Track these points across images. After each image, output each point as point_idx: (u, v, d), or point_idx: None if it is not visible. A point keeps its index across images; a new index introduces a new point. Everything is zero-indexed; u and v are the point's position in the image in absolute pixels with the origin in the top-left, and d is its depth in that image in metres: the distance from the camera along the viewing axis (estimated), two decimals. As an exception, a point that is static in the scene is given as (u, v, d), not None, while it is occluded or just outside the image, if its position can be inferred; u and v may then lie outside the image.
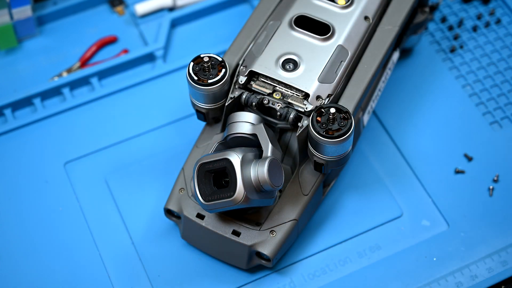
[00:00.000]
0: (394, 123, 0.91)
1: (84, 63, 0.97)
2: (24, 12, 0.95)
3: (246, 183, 0.71)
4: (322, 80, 0.77)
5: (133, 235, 0.84)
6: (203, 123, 0.84)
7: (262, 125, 0.76)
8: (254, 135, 0.76)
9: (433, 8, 0.98)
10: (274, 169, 0.73)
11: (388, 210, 0.86)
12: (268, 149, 0.75)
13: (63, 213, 0.86)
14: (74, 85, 0.95)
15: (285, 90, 0.77)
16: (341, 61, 0.78)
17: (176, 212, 0.80)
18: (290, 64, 0.78)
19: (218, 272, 0.82)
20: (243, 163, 0.72)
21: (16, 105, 0.93)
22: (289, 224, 0.77)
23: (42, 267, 0.83)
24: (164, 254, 0.83)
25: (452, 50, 0.97)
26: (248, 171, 0.72)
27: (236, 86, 0.78)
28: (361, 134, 0.87)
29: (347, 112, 0.74)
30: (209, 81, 0.77)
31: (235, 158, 0.72)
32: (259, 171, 0.72)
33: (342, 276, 0.82)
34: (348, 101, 0.78)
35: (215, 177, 0.74)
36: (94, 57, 0.98)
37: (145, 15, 1.01)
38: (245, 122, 0.76)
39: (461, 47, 0.97)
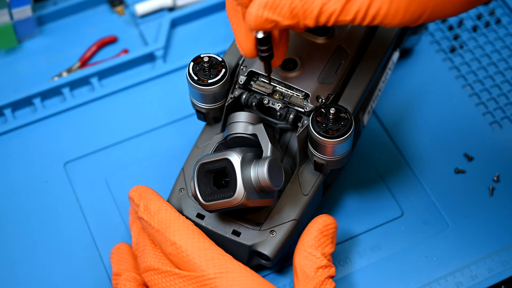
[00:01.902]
0: (394, 123, 0.91)
1: (84, 63, 0.97)
2: (24, 12, 0.95)
3: (246, 183, 0.71)
4: (322, 80, 0.77)
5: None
6: (203, 123, 0.84)
7: (262, 125, 0.76)
8: (254, 135, 0.76)
9: (433, 8, 0.98)
10: (274, 169, 0.73)
11: (388, 210, 0.86)
12: (268, 149, 0.75)
13: (63, 213, 0.86)
14: (74, 85, 0.95)
15: (285, 90, 0.77)
16: (341, 61, 0.78)
17: (176, 212, 0.80)
18: (290, 64, 0.78)
19: (218, 272, 0.82)
20: (243, 163, 0.72)
21: (16, 105, 0.93)
22: (289, 224, 0.77)
23: (42, 267, 0.83)
24: (164, 254, 0.83)
25: (452, 50, 0.97)
26: (248, 171, 0.72)
27: (236, 86, 0.78)
28: (361, 134, 0.87)
29: (347, 112, 0.74)
30: (209, 81, 0.77)
31: (235, 158, 0.72)
32: (259, 171, 0.72)
33: (342, 276, 0.82)
34: (348, 101, 0.78)
35: (215, 177, 0.74)
36: (94, 57, 0.98)
37: (145, 15, 1.01)
38: (245, 122, 0.76)
39: (461, 47, 0.97)
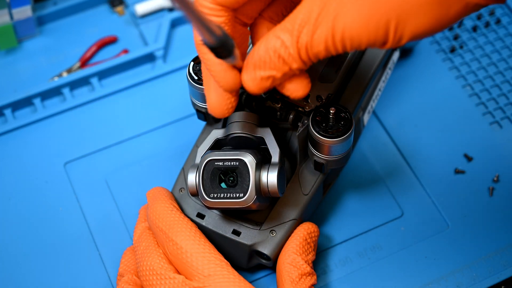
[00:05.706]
0: (394, 123, 0.91)
1: (84, 63, 0.97)
2: (24, 12, 0.95)
3: (256, 187, 0.71)
4: (322, 79, 0.77)
5: (133, 235, 0.84)
6: (203, 123, 0.84)
7: (269, 129, 0.75)
8: (258, 137, 0.75)
9: (433, 8, 0.98)
10: (282, 177, 0.73)
11: (388, 210, 0.86)
12: (277, 155, 0.74)
13: (63, 213, 0.86)
14: (74, 85, 0.95)
15: (285, 90, 0.77)
16: (342, 61, 0.78)
17: (176, 212, 0.80)
18: (290, 64, 0.78)
19: (218, 272, 0.82)
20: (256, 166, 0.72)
21: (16, 105, 0.93)
22: (289, 224, 0.77)
23: (42, 267, 0.83)
24: (164, 254, 0.83)
25: (452, 50, 0.97)
26: (258, 176, 0.72)
27: (236, 86, 0.78)
28: (361, 134, 0.87)
29: (347, 111, 0.74)
30: (209, 80, 0.77)
31: (251, 161, 0.71)
32: (270, 177, 0.72)
33: (342, 276, 0.82)
34: (348, 101, 0.78)
35: (222, 176, 0.73)
36: (94, 57, 0.98)
37: (145, 15, 1.01)
38: (247, 122, 0.76)
39: (461, 47, 0.97)
